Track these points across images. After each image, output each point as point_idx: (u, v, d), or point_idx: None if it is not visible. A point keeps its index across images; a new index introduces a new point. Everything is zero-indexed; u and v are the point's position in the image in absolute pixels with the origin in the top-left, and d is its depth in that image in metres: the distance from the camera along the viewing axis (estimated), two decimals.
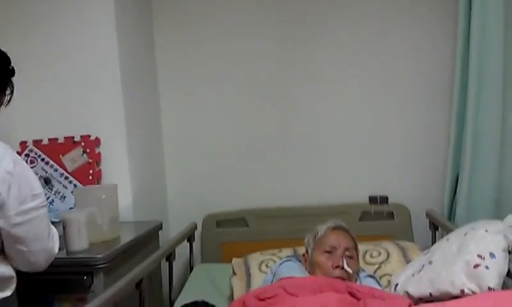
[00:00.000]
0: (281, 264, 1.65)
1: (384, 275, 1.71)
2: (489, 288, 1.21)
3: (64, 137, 1.94)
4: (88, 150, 1.92)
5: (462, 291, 1.26)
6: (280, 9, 2.23)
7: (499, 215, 1.68)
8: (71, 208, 1.85)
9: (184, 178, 2.36)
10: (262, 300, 1.35)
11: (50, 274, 1.28)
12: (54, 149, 1.94)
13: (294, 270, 1.59)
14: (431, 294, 1.35)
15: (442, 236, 1.72)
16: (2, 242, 1.13)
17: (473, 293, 1.24)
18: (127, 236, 1.70)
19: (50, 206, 1.86)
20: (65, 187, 1.92)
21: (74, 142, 1.93)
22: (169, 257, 1.81)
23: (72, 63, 1.92)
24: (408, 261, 1.73)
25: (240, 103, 2.29)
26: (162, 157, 2.36)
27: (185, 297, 1.72)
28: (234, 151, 2.30)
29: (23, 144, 1.96)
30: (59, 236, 1.29)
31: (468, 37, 1.90)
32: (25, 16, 1.94)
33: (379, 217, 2.18)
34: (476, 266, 1.26)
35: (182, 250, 2.12)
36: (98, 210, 1.63)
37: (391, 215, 2.17)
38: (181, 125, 2.35)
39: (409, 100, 2.18)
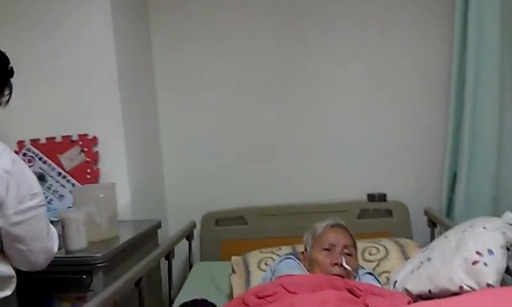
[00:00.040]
0: (280, 262, 1.65)
1: (383, 272, 1.72)
2: (488, 285, 1.21)
3: (62, 136, 1.94)
4: (85, 149, 1.92)
5: (461, 287, 1.26)
6: (279, 8, 2.22)
7: (497, 213, 1.69)
8: (69, 207, 1.85)
9: (183, 177, 2.36)
10: (261, 298, 1.35)
11: (50, 273, 1.28)
12: (52, 148, 1.94)
13: (293, 267, 1.59)
14: (430, 291, 1.36)
15: (440, 234, 1.73)
16: (1, 242, 1.13)
17: (472, 289, 1.24)
18: (125, 235, 1.69)
19: (49, 205, 1.86)
20: (63, 186, 1.92)
21: (72, 141, 1.93)
22: (169, 255, 1.81)
23: (69, 62, 1.92)
24: (406, 258, 1.74)
25: (238, 102, 2.29)
26: (160, 155, 2.36)
27: (185, 295, 1.72)
28: (233, 149, 2.30)
29: (20, 143, 1.95)
30: (58, 236, 1.29)
31: (465, 37, 1.91)
32: (21, 15, 1.93)
33: (378, 215, 2.19)
34: (474, 263, 1.26)
35: (181, 248, 2.12)
36: (97, 209, 1.63)
37: (389, 213, 2.18)
38: (179, 123, 2.34)
39: (407, 98, 2.19)
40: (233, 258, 1.96)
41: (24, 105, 1.87)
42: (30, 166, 1.88)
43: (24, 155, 1.93)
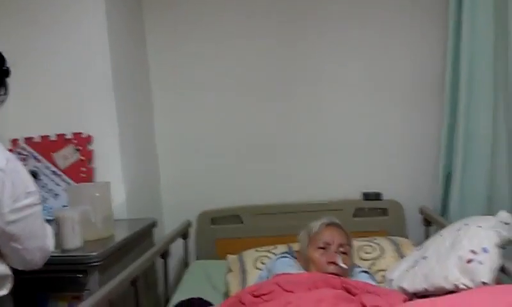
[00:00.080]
0: (276, 260, 1.66)
1: (379, 270, 1.73)
2: (483, 283, 1.22)
3: (56, 135, 1.93)
4: (80, 148, 1.90)
5: (456, 286, 1.28)
6: (279, 8, 2.22)
7: (491, 212, 1.70)
8: (64, 206, 1.84)
9: (178, 176, 2.35)
10: (258, 296, 1.35)
11: (45, 272, 1.27)
12: (46, 146, 1.92)
13: (289, 266, 1.60)
14: (425, 289, 1.37)
15: (435, 232, 1.74)
16: None
17: (467, 288, 1.25)
18: (121, 234, 1.69)
19: (44, 204, 1.84)
20: (58, 184, 1.91)
21: (66, 139, 1.92)
22: (164, 254, 1.80)
23: (63, 61, 1.90)
24: (401, 256, 1.75)
25: (237, 102, 2.28)
26: (155, 154, 2.35)
27: (181, 294, 1.72)
28: (228, 148, 2.30)
29: (14, 142, 1.94)
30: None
31: (459, 38, 1.92)
32: (15, 14, 1.91)
33: (373, 214, 2.20)
34: (469, 261, 1.28)
35: (177, 247, 2.12)
36: (92, 207, 1.62)
37: (385, 212, 2.18)
38: (174, 122, 2.33)
39: (403, 98, 2.19)
40: (229, 256, 1.96)
41: (18, 104, 1.84)
42: (24, 165, 1.86)
43: (18, 153, 1.91)
